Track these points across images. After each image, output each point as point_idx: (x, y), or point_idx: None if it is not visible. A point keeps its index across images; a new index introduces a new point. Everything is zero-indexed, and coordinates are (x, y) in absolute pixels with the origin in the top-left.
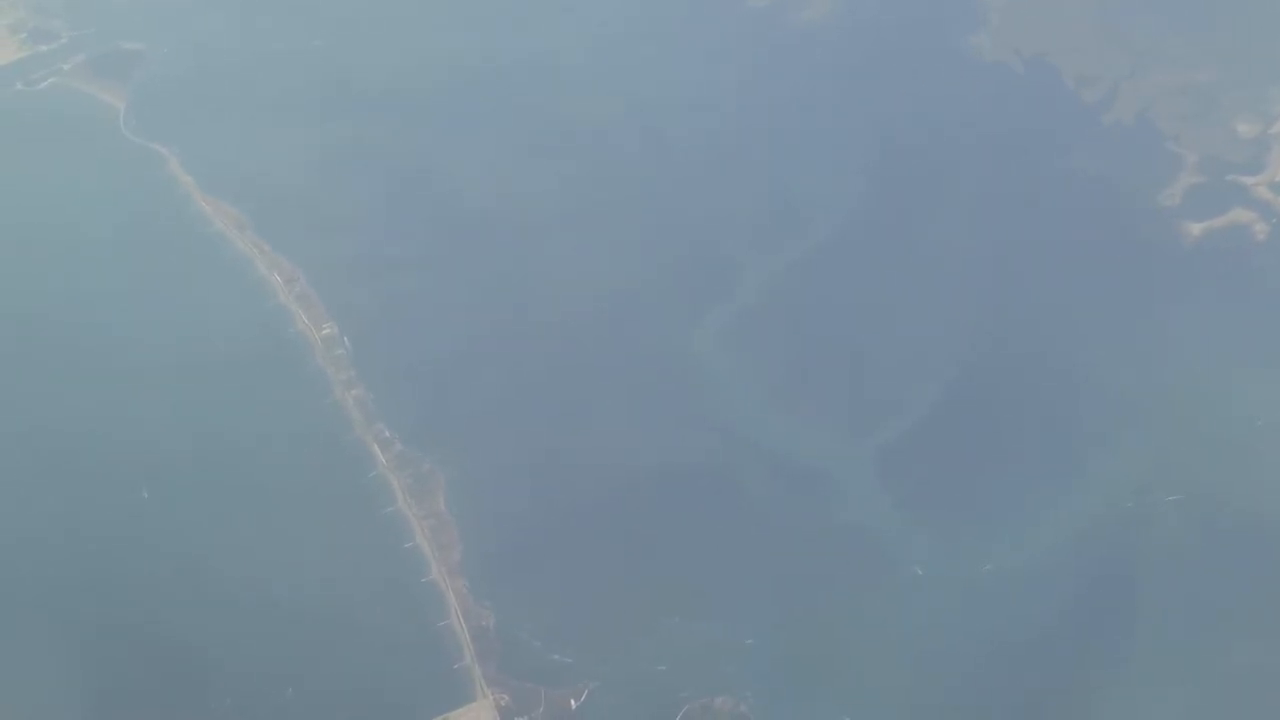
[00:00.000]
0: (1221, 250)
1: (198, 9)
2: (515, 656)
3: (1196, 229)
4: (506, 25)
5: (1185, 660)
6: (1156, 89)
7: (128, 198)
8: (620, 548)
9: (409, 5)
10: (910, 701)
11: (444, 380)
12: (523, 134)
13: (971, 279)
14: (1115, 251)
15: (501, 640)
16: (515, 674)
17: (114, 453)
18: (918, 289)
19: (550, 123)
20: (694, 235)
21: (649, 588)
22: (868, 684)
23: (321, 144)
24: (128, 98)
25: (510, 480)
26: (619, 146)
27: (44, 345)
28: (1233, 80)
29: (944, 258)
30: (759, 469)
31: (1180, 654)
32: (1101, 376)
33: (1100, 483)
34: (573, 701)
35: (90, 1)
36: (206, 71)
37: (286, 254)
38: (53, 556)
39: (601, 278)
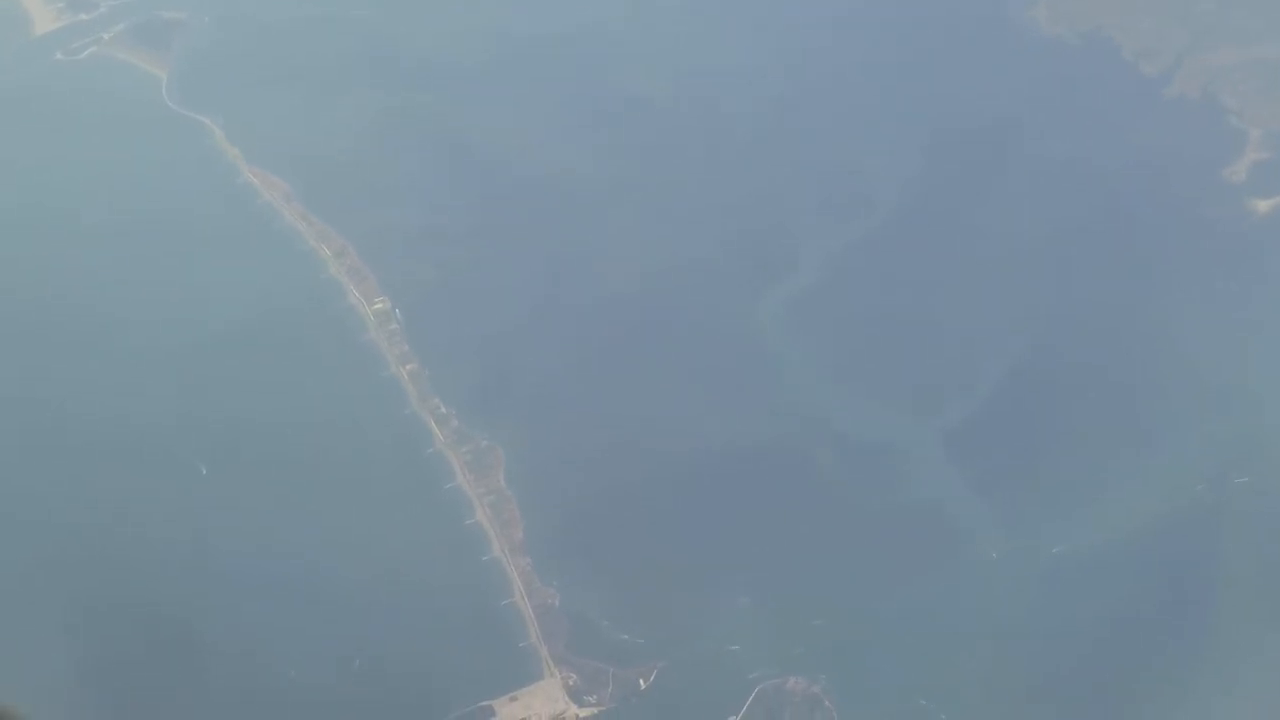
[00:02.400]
0: None
1: None
2: (582, 635)
3: (1263, 205)
4: None
5: (1256, 643)
6: (1219, 63)
7: (174, 170)
8: (685, 526)
9: None
10: (985, 684)
11: (499, 355)
12: (572, 105)
13: (1035, 256)
14: (1180, 228)
15: (567, 619)
16: (583, 653)
17: (169, 429)
18: (980, 266)
19: (600, 95)
20: (752, 210)
21: (716, 567)
22: (942, 666)
23: (367, 115)
24: (170, 67)
25: (570, 457)
26: (671, 119)
27: (93, 322)
28: None
29: (1006, 234)
30: (826, 447)
31: (1251, 637)
32: (1170, 357)
33: (1171, 465)
34: (642, 681)
35: None
36: (248, 41)
37: (335, 226)
38: (116, 533)
39: (659, 252)
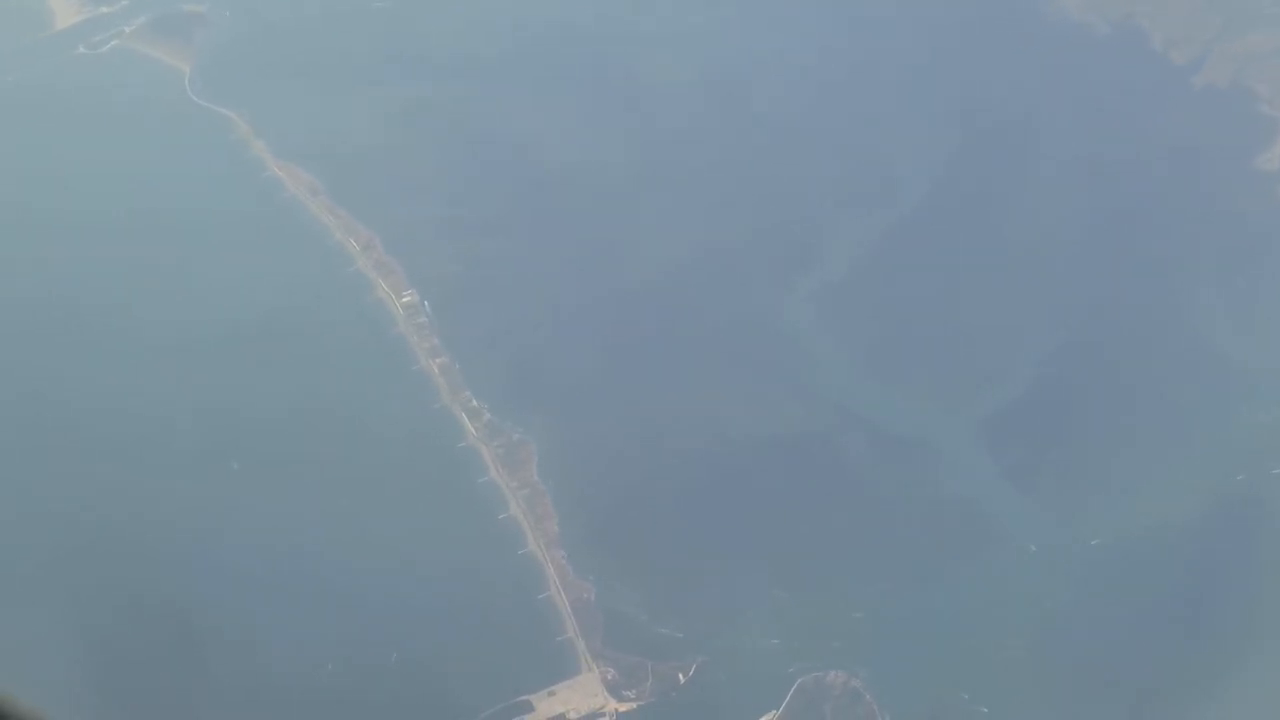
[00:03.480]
0: None
1: None
2: (619, 630)
3: None
4: None
5: None
6: (1250, 50)
7: (199, 164)
8: (721, 519)
9: None
10: (1026, 677)
11: (529, 347)
12: (596, 96)
13: (1064, 247)
14: (1213, 218)
15: (604, 613)
16: (620, 647)
17: (199, 426)
18: (1008, 257)
19: (624, 85)
20: (780, 200)
21: (752, 560)
22: (982, 659)
23: (391, 107)
24: (192, 61)
25: (603, 450)
26: (696, 109)
27: (117, 319)
28: None
29: (1035, 225)
30: (860, 439)
31: None
32: (1204, 348)
33: (1207, 456)
34: (681, 676)
35: None
36: (270, 34)
37: (362, 219)
38: (148, 530)
39: (687, 243)
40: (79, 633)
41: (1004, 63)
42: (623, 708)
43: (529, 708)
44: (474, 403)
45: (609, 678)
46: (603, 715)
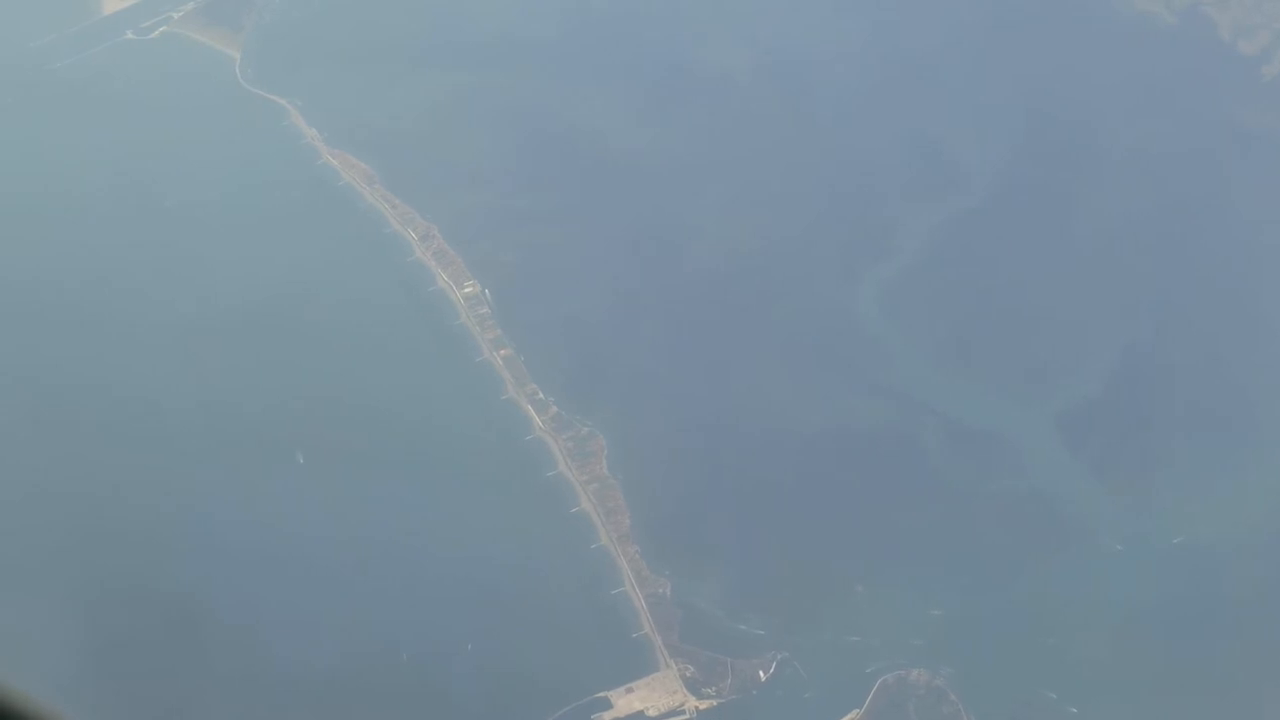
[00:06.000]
0: None
1: None
2: (697, 626)
3: None
4: None
5: None
6: None
7: (253, 152)
8: (795, 513)
9: None
10: (1114, 676)
11: (594, 339)
12: (652, 82)
13: (1136, 239)
14: None
15: (681, 609)
16: (698, 644)
17: (265, 418)
18: (1079, 248)
19: (680, 71)
20: (842, 190)
21: (829, 555)
22: (1068, 659)
23: (444, 94)
24: (243, 47)
25: (674, 443)
26: (753, 96)
27: (174, 308)
28: None
29: (1104, 217)
30: (936, 432)
31: None
32: None
33: None
34: (762, 673)
35: None
36: (321, 19)
37: (419, 209)
38: (220, 521)
39: (750, 230)
40: (142, 625)
41: (1069, 52)
42: (703, 705)
43: (607, 704)
44: (540, 395)
45: (688, 675)
46: (682, 713)
